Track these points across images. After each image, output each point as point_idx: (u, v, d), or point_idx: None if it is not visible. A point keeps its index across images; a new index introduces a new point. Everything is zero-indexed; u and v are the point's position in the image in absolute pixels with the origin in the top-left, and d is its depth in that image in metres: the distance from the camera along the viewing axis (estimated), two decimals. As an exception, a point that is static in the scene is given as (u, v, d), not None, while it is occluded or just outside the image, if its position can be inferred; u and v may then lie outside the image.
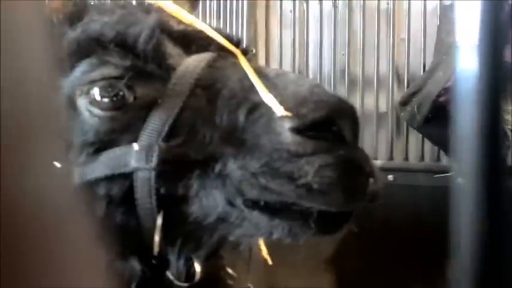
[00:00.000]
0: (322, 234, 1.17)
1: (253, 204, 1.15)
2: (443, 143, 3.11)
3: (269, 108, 1.12)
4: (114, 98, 1.22)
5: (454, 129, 0.78)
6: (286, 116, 1.10)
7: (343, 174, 1.09)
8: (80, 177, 1.21)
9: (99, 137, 1.22)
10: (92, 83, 1.23)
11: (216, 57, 1.27)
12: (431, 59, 3.24)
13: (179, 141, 1.17)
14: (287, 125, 1.10)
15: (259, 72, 1.20)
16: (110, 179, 1.20)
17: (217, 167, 1.14)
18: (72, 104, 1.25)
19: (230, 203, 1.16)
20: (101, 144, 1.22)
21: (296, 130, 1.10)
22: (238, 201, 1.15)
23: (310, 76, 3.53)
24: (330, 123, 1.11)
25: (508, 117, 2.83)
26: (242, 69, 1.22)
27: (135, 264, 1.28)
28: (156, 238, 1.21)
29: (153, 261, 1.28)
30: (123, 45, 1.24)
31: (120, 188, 1.20)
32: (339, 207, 1.14)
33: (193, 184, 1.17)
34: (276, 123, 1.11)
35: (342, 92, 3.43)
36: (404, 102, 3.17)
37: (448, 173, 3.13)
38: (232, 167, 1.13)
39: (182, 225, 1.22)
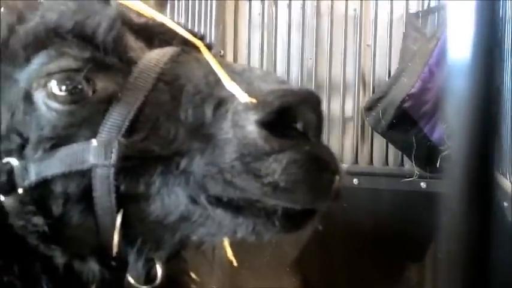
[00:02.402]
0: (286, 232, 1.14)
1: (217, 201, 1.11)
2: (406, 148, 3.16)
3: (235, 102, 1.09)
4: (73, 91, 1.17)
5: (446, 130, 0.78)
6: (252, 108, 1.06)
7: (309, 171, 1.07)
8: (36, 174, 1.18)
9: (56, 132, 1.18)
10: (49, 75, 1.18)
11: (179, 52, 1.23)
12: (396, 66, 3.30)
13: (140, 137, 1.14)
14: (252, 117, 1.06)
15: (225, 66, 1.17)
16: (67, 176, 1.16)
17: (183, 163, 1.11)
18: (28, 98, 1.21)
19: (193, 201, 1.12)
20: (58, 140, 1.17)
21: (262, 123, 1.06)
22: (202, 198, 1.11)
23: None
24: (294, 117, 1.08)
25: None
26: (207, 64, 1.18)
27: (94, 265, 1.24)
28: (115, 238, 1.17)
29: (112, 263, 1.24)
30: (82, 36, 1.20)
31: (78, 185, 1.16)
32: (304, 205, 1.11)
33: (155, 181, 1.13)
34: (241, 116, 1.07)
35: (309, 96, 3.45)
36: (369, 108, 3.21)
37: (410, 177, 3.19)
38: (198, 163, 1.10)
39: (142, 225, 1.19)
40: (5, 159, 1.22)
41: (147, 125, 1.15)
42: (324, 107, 3.34)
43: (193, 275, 1.59)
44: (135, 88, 1.17)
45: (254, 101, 1.07)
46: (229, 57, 3.63)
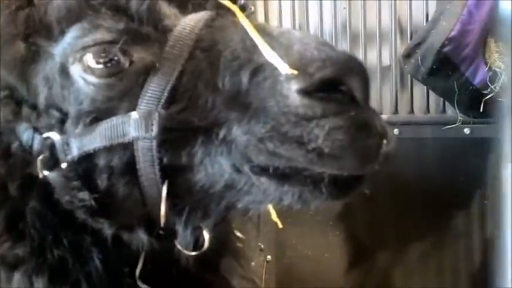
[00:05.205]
0: (334, 199, 1.12)
1: (261, 171, 1.10)
2: (448, 94, 3.08)
3: (274, 70, 1.07)
4: (109, 64, 1.16)
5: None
6: (293, 77, 1.04)
7: (354, 137, 1.05)
8: (78, 149, 1.18)
9: (95, 105, 1.18)
10: (85, 49, 1.17)
11: (214, 16, 1.20)
12: (434, 9, 3.18)
13: (180, 108, 1.13)
14: (294, 86, 1.04)
15: (262, 30, 1.13)
16: (109, 149, 1.17)
17: (222, 133, 1.10)
18: (65, 72, 1.21)
19: (237, 170, 1.12)
20: (98, 113, 1.17)
21: (303, 92, 1.04)
22: (246, 168, 1.10)
23: (311, 33, 3.47)
24: (338, 83, 1.05)
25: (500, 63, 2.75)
26: (243, 28, 1.15)
27: (142, 236, 1.26)
28: (162, 209, 1.18)
29: (161, 232, 1.26)
30: (116, 7, 1.18)
31: (121, 158, 1.17)
32: (351, 171, 1.09)
33: (197, 152, 1.13)
34: (282, 85, 1.05)
35: (344, 47, 3.37)
36: (407, 55, 3.13)
37: (453, 124, 3.11)
38: (237, 132, 1.09)
39: (188, 195, 1.19)
40: (46, 134, 1.23)
41: (186, 95, 1.14)
42: (361, 57, 3.29)
43: (238, 234, 1.60)
44: (172, 57, 1.15)
45: (295, 72, 1.04)
46: (260, 11, 3.54)
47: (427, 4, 3.27)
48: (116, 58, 1.16)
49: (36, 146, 1.24)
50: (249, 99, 1.09)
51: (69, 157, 1.20)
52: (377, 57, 3.36)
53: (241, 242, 1.61)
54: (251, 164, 1.10)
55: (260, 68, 1.09)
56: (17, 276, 1.26)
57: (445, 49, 2.93)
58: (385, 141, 1.08)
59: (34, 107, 1.26)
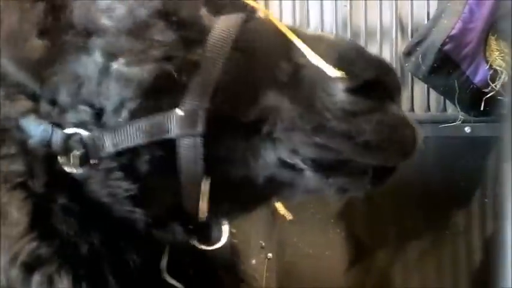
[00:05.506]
0: (371, 188, 1.21)
1: (308, 164, 1.15)
2: (449, 92, 3.08)
3: (316, 70, 1.13)
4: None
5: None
6: (338, 77, 1.11)
7: (398, 130, 1.15)
8: (114, 146, 1.17)
9: (136, 102, 1.16)
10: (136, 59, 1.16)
11: (247, 18, 1.23)
12: (435, 7, 3.18)
13: (223, 105, 1.15)
14: (340, 85, 1.11)
15: (295, 33, 1.19)
16: (148, 146, 1.17)
17: (265, 128, 1.14)
18: (106, 71, 1.18)
19: (282, 164, 1.16)
20: (139, 110, 1.16)
21: (350, 90, 1.11)
22: (292, 161, 1.16)
23: (311, 30, 3.46)
24: (377, 83, 1.13)
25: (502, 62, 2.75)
26: (277, 30, 1.20)
27: (179, 230, 1.27)
28: (204, 204, 1.19)
29: (190, 227, 1.27)
30: (163, 14, 1.19)
31: (160, 154, 1.17)
32: (395, 162, 1.19)
33: (240, 147, 1.17)
34: (328, 84, 1.12)
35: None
36: (408, 53, 3.12)
37: (454, 122, 3.11)
38: (282, 127, 1.14)
39: (227, 189, 1.22)
40: (72, 130, 1.21)
41: (228, 93, 1.16)
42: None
43: (232, 230, 1.60)
44: (213, 57, 1.17)
45: (340, 73, 1.12)
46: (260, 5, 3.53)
47: (428, 2, 3.27)
48: None
49: (59, 142, 1.22)
50: (292, 96, 1.14)
51: (104, 153, 1.19)
52: (378, 55, 3.35)
53: (235, 237, 1.62)
54: (298, 158, 1.15)
55: (301, 68, 1.15)
56: (36, 278, 1.22)
57: (446, 47, 2.93)
58: (418, 134, 1.19)
59: (53, 102, 1.23)
